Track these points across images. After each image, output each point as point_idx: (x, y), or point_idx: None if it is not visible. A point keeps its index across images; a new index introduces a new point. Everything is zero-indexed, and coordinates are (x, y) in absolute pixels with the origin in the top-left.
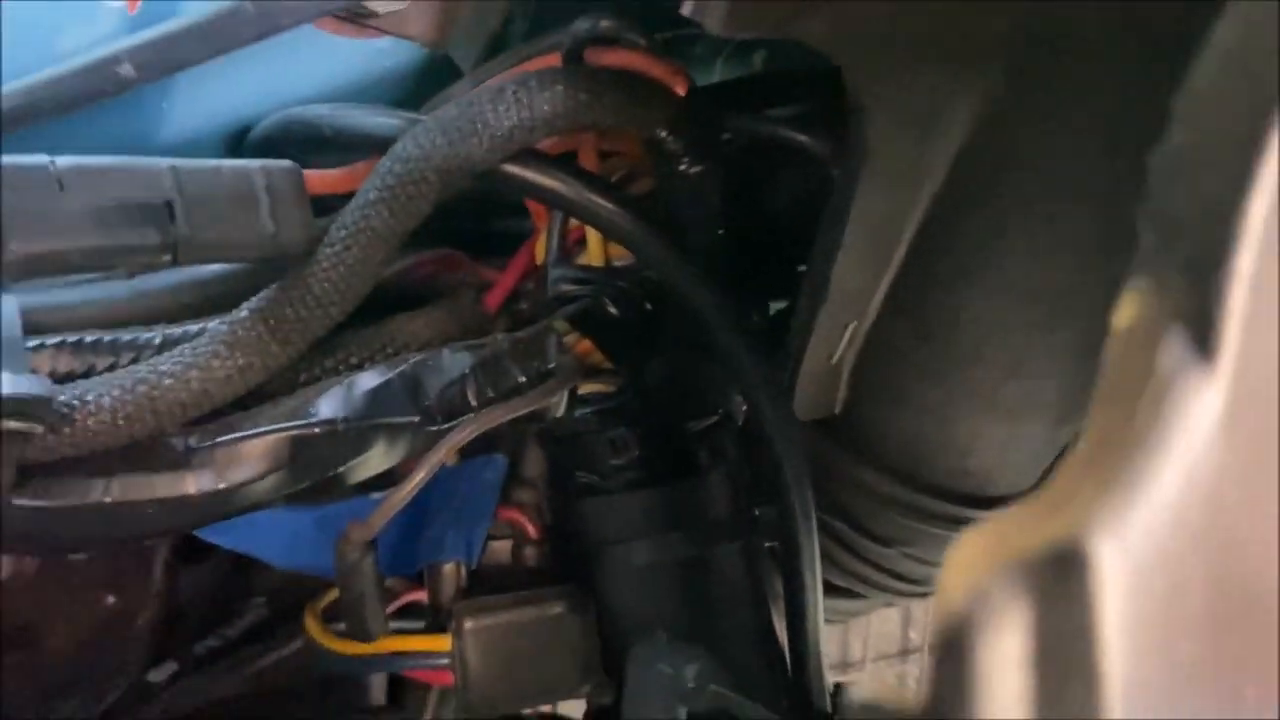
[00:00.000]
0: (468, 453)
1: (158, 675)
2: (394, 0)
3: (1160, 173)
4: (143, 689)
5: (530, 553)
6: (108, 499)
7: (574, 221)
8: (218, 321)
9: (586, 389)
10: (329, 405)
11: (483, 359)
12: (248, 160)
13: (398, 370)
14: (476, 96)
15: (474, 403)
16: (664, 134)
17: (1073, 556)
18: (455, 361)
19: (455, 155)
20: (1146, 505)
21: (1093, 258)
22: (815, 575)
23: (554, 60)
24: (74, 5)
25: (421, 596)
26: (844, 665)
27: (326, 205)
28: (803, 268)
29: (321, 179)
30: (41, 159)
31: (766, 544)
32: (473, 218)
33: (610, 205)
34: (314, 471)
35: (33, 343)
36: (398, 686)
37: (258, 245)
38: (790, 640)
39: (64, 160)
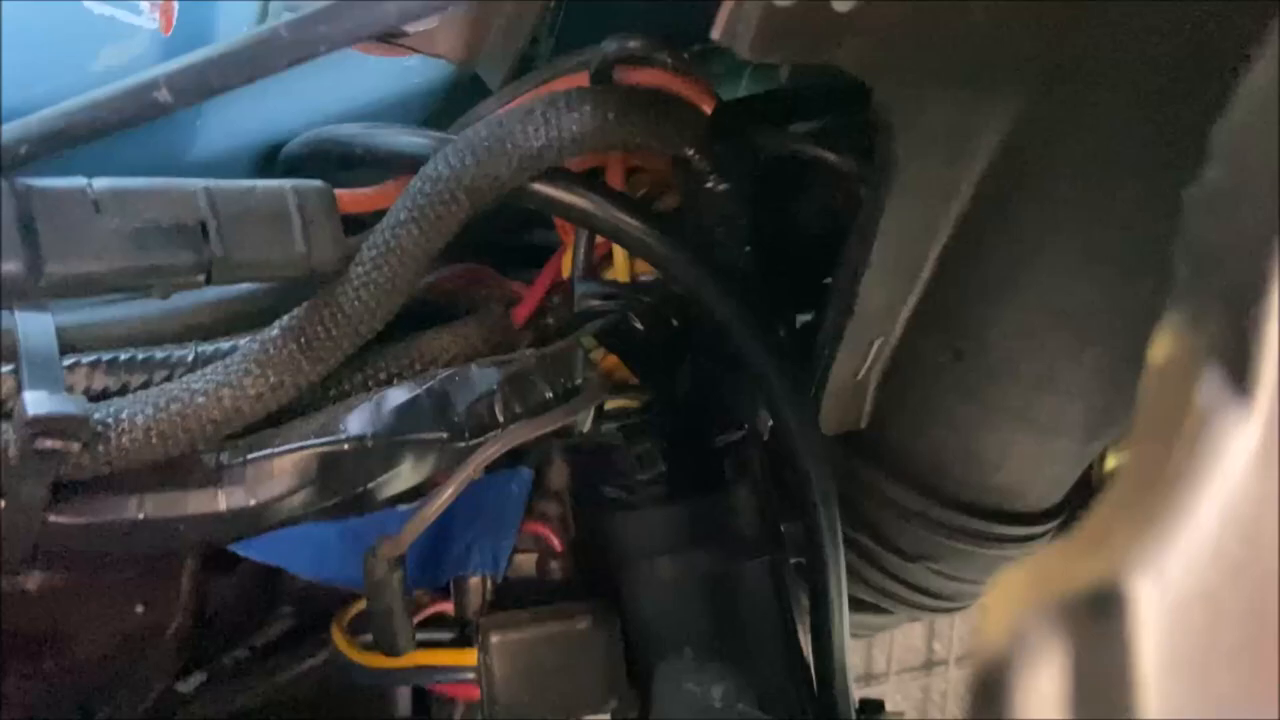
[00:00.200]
0: (494, 466)
1: (186, 685)
2: (424, 20)
3: (1197, 207)
4: (172, 698)
5: (556, 566)
6: (141, 515)
7: (600, 238)
8: (249, 339)
9: (613, 404)
10: (358, 421)
11: (510, 375)
12: (280, 180)
13: (426, 386)
14: (506, 117)
15: (501, 418)
16: (691, 151)
17: (1111, 596)
18: (483, 377)
19: (484, 175)
20: (1184, 542)
21: (1123, 277)
22: (841, 591)
23: (582, 79)
24: (111, 28)
25: (448, 608)
26: (868, 677)
27: (358, 224)
28: (829, 282)
29: (352, 198)
30: (79, 181)
31: (793, 559)
32: (500, 232)
33: (637, 223)
34: (343, 487)
35: (68, 361)
36: (423, 699)
37: (290, 264)
38: (816, 656)
39: (100, 182)
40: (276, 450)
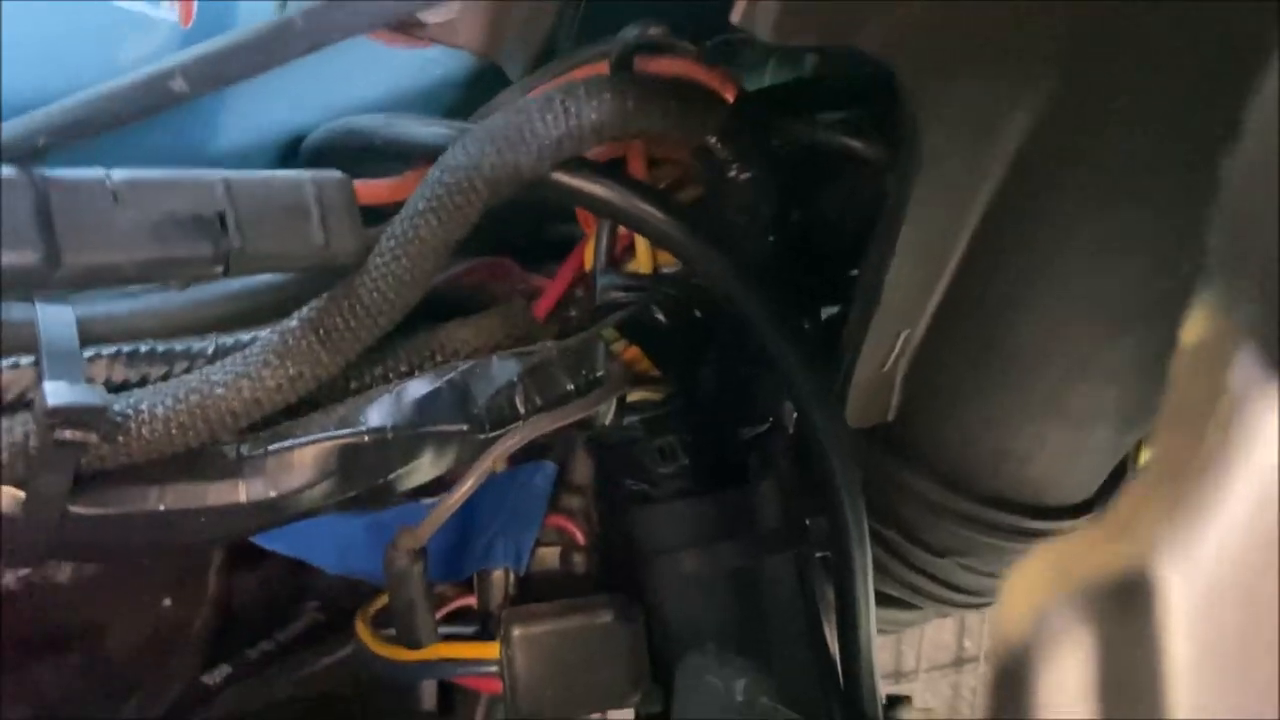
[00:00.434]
0: (517, 460)
1: (212, 678)
2: (444, 10)
3: (1232, 185)
4: (198, 691)
5: (578, 560)
6: (161, 507)
7: (622, 228)
8: (269, 330)
9: (635, 397)
10: (378, 413)
11: (531, 367)
12: (298, 171)
13: (446, 378)
14: (525, 105)
15: (522, 410)
16: (713, 141)
17: (1139, 582)
18: (504, 369)
19: (504, 164)
20: (1216, 528)
21: (1159, 262)
22: (867, 586)
23: (603, 68)
24: (130, 21)
25: (471, 602)
26: (897, 675)
27: (378, 215)
28: (854, 273)
29: (371, 189)
30: (97, 172)
31: (819, 554)
32: (522, 225)
33: (659, 213)
34: (363, 479)
35: (88, 353)
36: (447, 692)
37: (308, 256)
38: (842, 652)
39: (119, 173)
40: (297, 442)
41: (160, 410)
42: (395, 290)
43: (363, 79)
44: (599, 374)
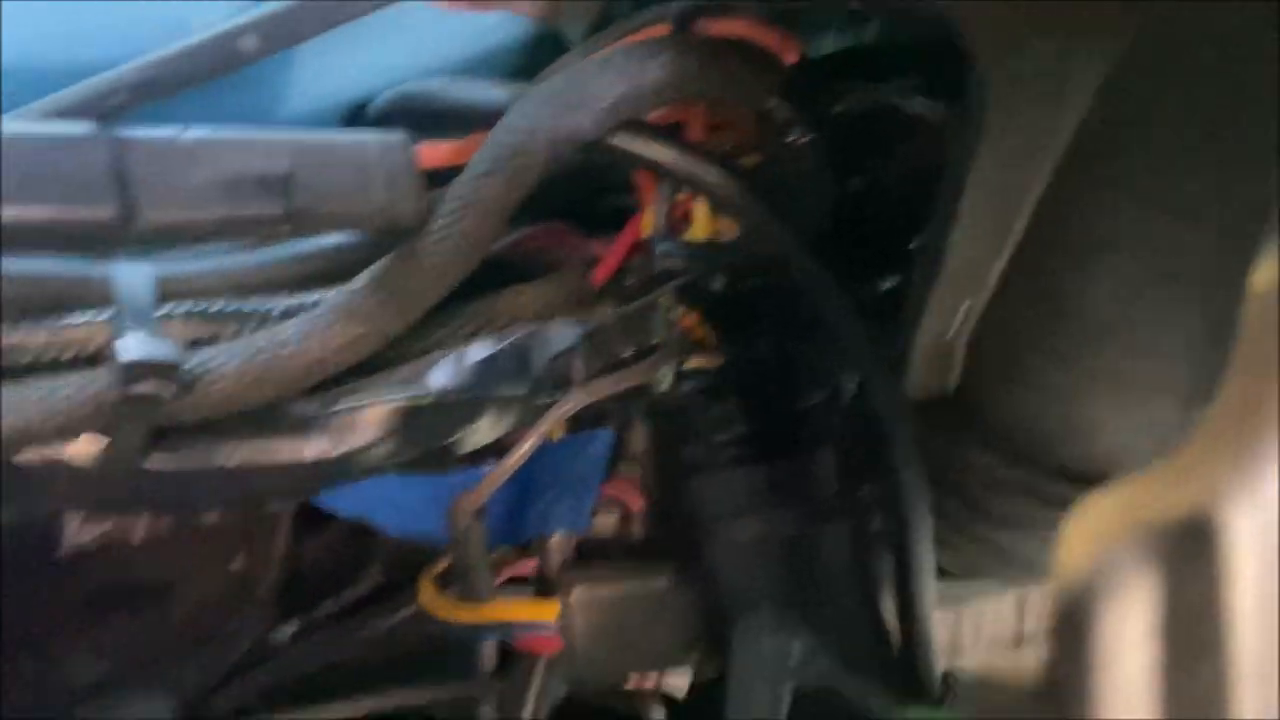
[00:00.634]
0: (576, 427)
1: (279, 636)
2: None
3: None
4: (265, 649)
5: (635, 526)
6: (230, 463)
7: (680, 197)
8: (335, 291)
9: (692, 364)
10: (440, 376)
11: (590, 332)
12: (362, 134)
13: (507, 342)
14: (584, 67)
15: (580, 376)
16: (773, 104)
17: (1205, 525)
18: (562, 335)
19: (563, 126)
20: None
21: (1229, 229)
22: (927, 555)
23: (663, 30)
24: None
25: (529, 568)
26: (954, 651)
27: (441, 179)
28: (914, 245)
29: (434, 152)
30: (172, 131)
31: (877, 525)
32: (582, 193)
33: (720, 176)
34: (425, 440)
35: (162, 310)
36: (507, 654)
37: (371, 217)
38: (900, 620)
39: (192, 132)
40: (361, 402)
41: (230, 368)
42: (457, 252)
43: (425, 45)
44: (656, 341)
